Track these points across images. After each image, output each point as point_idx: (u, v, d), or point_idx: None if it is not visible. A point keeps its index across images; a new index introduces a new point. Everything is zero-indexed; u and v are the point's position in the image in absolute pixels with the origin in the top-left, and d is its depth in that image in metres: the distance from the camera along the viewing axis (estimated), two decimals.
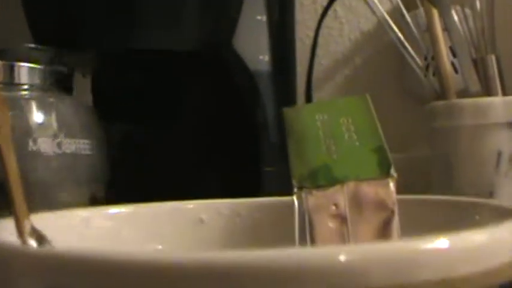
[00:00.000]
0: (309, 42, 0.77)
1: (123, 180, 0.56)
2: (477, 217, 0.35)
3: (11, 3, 0.58)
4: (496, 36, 0.63)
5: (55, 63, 0.54)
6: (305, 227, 0.33)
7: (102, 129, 0.55)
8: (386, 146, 0.35)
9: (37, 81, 0.52)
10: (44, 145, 0.50)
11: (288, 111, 0.38)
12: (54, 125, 0.51)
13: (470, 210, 0.37)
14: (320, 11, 0.78)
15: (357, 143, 0.35)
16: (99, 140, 0.54)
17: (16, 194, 0.29)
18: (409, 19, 0.67)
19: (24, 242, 0.30)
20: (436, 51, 0.64)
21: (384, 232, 0.33)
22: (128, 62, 0.55)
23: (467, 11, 0.64)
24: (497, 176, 0.58)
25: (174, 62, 0.54)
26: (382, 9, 0.66)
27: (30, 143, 0.49)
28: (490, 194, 0.58)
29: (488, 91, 0.61)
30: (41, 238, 0.31)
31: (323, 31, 0.78)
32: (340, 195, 0.33)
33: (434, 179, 0.63)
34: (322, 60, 0.82)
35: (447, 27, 0.60)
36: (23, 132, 0.49)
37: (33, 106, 0.51)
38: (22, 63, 0.52)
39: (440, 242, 0.22)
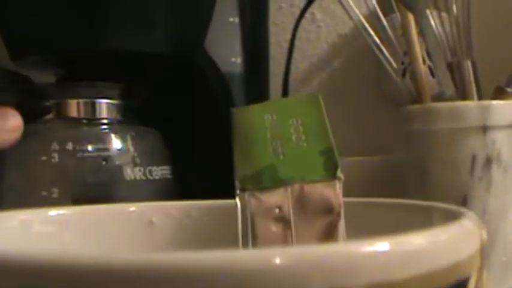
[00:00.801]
0: (286, 45, 0.77)
1: None
2: (428, 221, 0.35)
3: None
4: (472, 40, 0.63)
5: (125, 97, 0.56)
6: (248, 230, 0.33)
7: (170, 155, 0.57)
8: (334, 148, 0.35)
9: (114, 115, 0.55)
10: (130, 173, 0.52)
11: (237, 111, 0.38)
12: (136, 154, 0.53)
13: (422, 214, 0.36)
14: (298, 14, 0.78)
15: (305, 144, 0.35)
16: (171, 165, 0.56)
17: None
18: (385, 23, 0.67)
19: None
20: (412, 55, 0.64)
21: (329, 236, 0.32)
22: (98, 63, 0.54)
23: (444, 15, 0.64)
24: (472, 180, 0.58)
25: (145, 64, 0.54)
26: (359, 13, 0.66)
27: (118, 173, 0.52)
28: (464, 198, 0.58)
29: (463, 95, 0.61)
30: None
31: (300, 34, 0.78)
32: (285, 198, 0.33)
33: (409, 182, 0.63)
34: (300, 64, 0.82)
35: (422, 32, 0.61)
36: (110, 164, 0.52)
37: (115, 138, 0.53)
38: (102, 100, 0.54)
39: (380, 245, 0.22)
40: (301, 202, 0.33)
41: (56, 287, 0.20)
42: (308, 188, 0.33)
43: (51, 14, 0.53)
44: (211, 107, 0.57)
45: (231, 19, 0.59)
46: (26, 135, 0.51)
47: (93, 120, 0.54)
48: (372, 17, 0.68)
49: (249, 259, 0.20)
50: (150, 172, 0.53)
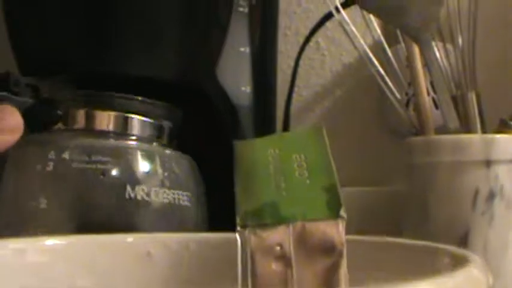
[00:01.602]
0: (290, 72, 0.77)
1: None
2: (431, 263, 0.34)
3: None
4: (476, 72, 0.63)
5: (164, 118, 0.55)
6: (247, 268, 0.32)
7: (201, 182, 0.56)
8: (338, 185, 0.34)
9: (147, 133, 0.54)
10: (149, 194, 0.51)
11: (239, 145, 0.37)
12: (160, 175, 0.53)
13: (425, 256, 0.36)
14: (302, 42, 0.78)
15: (308, 181, 0.34)
16: (199, 193, 0.56)
17: None
18: (390, 54, 0.67)
19: None
20: (416, 86, 0.64)
21: (331, 276, 0.31)
22: (106, 86, 0.54)
23: (449, 46, 0.64)
24: (474, 214, 0.58)
25: (154, 90, 0.54)
26: (364, 43, 0.66)
27: (136, 191, 0.51)
28: (466, 233, 0.58)
29: (467, 128, 0.61)
30: None
31: (304, 62, 0.78)
32: (286, 236, 0.32)
33: (410, 214, 0.62)
34: (303, 91, 0.81)
35: (427, 63, 0.60)
36: (130, 180, 0.51)
37: (141, 156, 0.53)
38: (134, 116, 0.54)
39: None
40: (303, 241, 0.32)
41: None
42: (310, 227, 0.32)
43: (63, 36, 0.53)
44: (219, 134, 0.57)
45: (241, 49, 0.59)
46: (35, 143, 0.50)
47: (123, 134, 0.54)
48: (377, 47, 0.68)
49: None
50: (157, 194, 0.52)
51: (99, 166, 0.50)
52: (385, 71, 0.66)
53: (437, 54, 0.61)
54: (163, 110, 0.55)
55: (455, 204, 0.58)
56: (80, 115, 0.53)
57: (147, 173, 0.52)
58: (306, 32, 0.80)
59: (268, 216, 0.32)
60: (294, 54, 0.78)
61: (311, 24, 0.79)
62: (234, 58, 0.58)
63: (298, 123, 0.81)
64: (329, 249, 0.32)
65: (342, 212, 0.32)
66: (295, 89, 0.76)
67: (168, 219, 0.53)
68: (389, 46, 0.68)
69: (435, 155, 0.59)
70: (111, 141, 0.53)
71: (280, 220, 0.32)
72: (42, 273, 0.37)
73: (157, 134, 0.55)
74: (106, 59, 0.52)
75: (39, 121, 0.51)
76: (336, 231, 0.32)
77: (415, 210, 0.61)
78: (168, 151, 0.55)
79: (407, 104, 0.73)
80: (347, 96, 0.82)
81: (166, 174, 0.53)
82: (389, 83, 0.65)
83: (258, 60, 0.60)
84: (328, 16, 0.73)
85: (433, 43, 0.60)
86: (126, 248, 0.40)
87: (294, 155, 0.35)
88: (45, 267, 0.37)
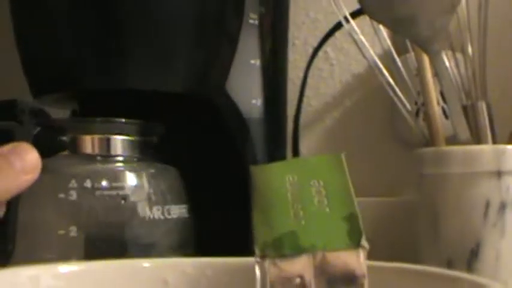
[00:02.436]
0: (299, 82, 0.77)
1: None
2: None
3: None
4: (487, 82, 0.62)
5: (143, 134, 0.55)
6: None
7: (187, 193, 0.56)
8: (358, 213, 0.33)
9: (130, 152, 0.55)
10: (163, 212, 0.52)
11: (255, 170, 0.36)
12: (151, 192, 0.53)
13: (445, 283, 0.35)
14: (311, 51, 0.78)
15: (327, 209, 0.33)
16: (188, 204, 0.56)
17: None
18: (399, 63, 0.67)
19: None
20: (426, 96, 0.63)
21: None
22: (118, 102, 0.54)
23: (459, 56, 0.64)
24: (485, 226, 0.57)
25: (165, 103, 0.54)
26: (373, 53, 0.66)
27: (154, 211, 0.52)
28: (477, 244, 0.57)
29: (478, 139, 0.60)
30: None
31: (313, 72, 0.78)
32: (306, 267, 0.31)
33: (421, 225, 0.61)
34: (312, 102, 0.81)
35: (437, 74, 0.60)
36: (148, 202, 0.52)
37: (130, 176, 0.53)
38: (117, 136, 0.54)
39: None
40: (323, 271, 0.31)
41: None
42: (331, 257, 0.31)
43: (74, 53, 0.53)
44: (229, 147, 0.57)
45: (252, 61, 0.59)
46: (42, 171, 0.50)
47: (108, 157, 0.54)
48: (386, 57, 0.67)
49: None
50: (168, 211, 0.53)
51: (120, 192, 0.51)
52: (395, 81, 0.65)
53: (447, 64, 0.60)
54: (140, 126, 0.55)
55: (467, 216, 0.58)
56: (82, 140, 0.53)
57: (158, 191, 0.53)
58: (314, 41, 0.80)
59: (288, 247, 0.32)
60: (303, 64, 0.77)
61: (319, 34, 0.79)
62: (244, 70, 0.58)
63: (308, 133, 0.80)
64: (350, 279, 0.31)
65: (363, 242, 0.32)
66: (304, 99, 0.76)
67: (179, 233, 0.54)
68: (399, 55, 0.68)
69: (446, 166, 0.59)
70: (122, 165, 0.54)
71: (300, 250, 0.32)
72: None
73: (142, 150, 0.56)
74: (118, 74, 0.52)
75: (46, 148, 0.51)
76: (357, 261, 0.31)
77: (426, 220, 0.61)
78: (156, 167, 0.56)
79: (417, 114, 0.72)
80: (357, 106, 0.81)
81: (167, 190, 0.54)
82: (399, 93, 0.65)
83: (269, 73, 0.60)
84: (338, 26, 0.73)
85: (443, 52, 0.60)
86: (142, 274, 0.40)
87: (312, 181, 0.35)
88: None
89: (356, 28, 0.66)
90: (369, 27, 0.68)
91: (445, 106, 0.66)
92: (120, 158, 0.54)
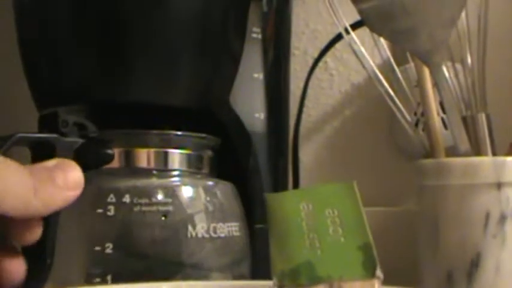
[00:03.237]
0: (299, 92, 0.77)
1: None
2: None
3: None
4: (486, 93, 0.62)
5: (201, 148, 0.55)
6: None
7: (242, 208, 0.56)
8: (372, 243, 0.34)
9: (186, 166, 0.54)
10: (208, 230, 0.51)
11: (271, 197, 0.37)
12: (209, 208, 0.52)
13: None
14: (311, 62, 0.78)
15: (342, 239, 0.34)
16: (243, 220, 0.55)
17: None
18: (399, 74, 0.67)
19: None
20: (426, 107, 0.63)
21: None
22: (120, 116, 0.54)
23: (458, 66, 0.64)
24: (485, 237, 0.57)
25: (168, 117, 0.54)
26: (373, 63, 0.66)
27: (188, 228, 0.51)
28: (477, 256, 0.57)
29: (477, 150, 0.61)
30: None
31: (313, 82, 0.78)
32: None
33: (421, 237, 0.62)
34: (312, 112, 0.81)
35: (437, 86, 0.60)
36: (179, 218, 0.51)
37: (186, 191, 0.52)
38: (174, 150, 0.53)
39: None
40: None
41: None
42: (346, 287, 0.32)
43: (79, 67, 0.53)
44: (232, 160, 0.57)
45: (255, 75, 0.59)
46: (90, 184, 0.50)
47: (163, 171, 0.53)
48: (386, 67, 0.68)
49: None
50: (215, 229, 0.52)
51: (160, 208, 0.50)
52: (394, 91, 0.66)
53: (447, 75, 0.61)
54: (201, 140, 0.55)
55: (467, 227, 0.58)
56: (126, 154, 0.53)
57: (203, 208, 0.52)
58: (314, 52, 0.80)
59: (305, 277, 0.33)
60: (302, 75, 0.78)
61: (319, 44, 0.79)
62: (247, 84, 0.58)
63: (308, 143, 0.81)
64: None
65: (378, 272, 0.32)
66: (304, 109, 0.76)
67: (226, 252, 0.53)
68: (398, 66, 0.68)
69: (446, 178, 0.59)
70: (163, 180, 0.53)
71: (316, 281, 0.32)
72: None
73: (199, 165, 0.55)
74: (122, 88, 0.52)
75: (89, 161, 0.50)
76: None
77: (426, 231, 0.61)
78: (211, 182, 0.55)
79: (416, 124, 0.73)
80: (356, 116, 0.81)
81: (217, 206, 0.53)
82: (398, 103, 0.65)
83: (272, 86, 0.60)
84: (338, 38, 0.73)
85: (443, 63, 0.60)
86: None
87: (327, 211, 0.35)
88: None
89: (356, 39, 0.66)
90: (369, 38, 0.69)
91: (444, 117, 0.66)
92: (174, 173, 0.53)
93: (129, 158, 0.53)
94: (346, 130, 0.81)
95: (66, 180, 0.42)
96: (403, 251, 0.67)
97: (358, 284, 0.32)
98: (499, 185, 0.57)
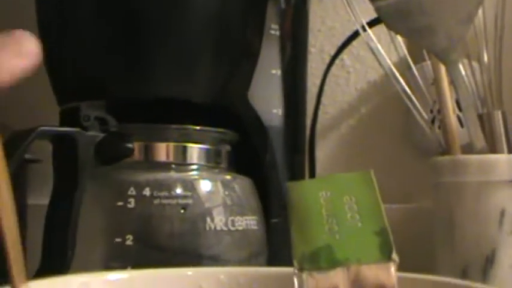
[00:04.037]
0: (315, 90, 0.77)
1: None
2: None
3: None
4: (502, 90, 0.63)
5: (219, 143, 0.56)
6: None
7: (259, 203, 0.56)
8: (389, 228, 0.35)
9: (205, 160, 0.54)
10: (219, 223, 0.52)
11: (292, 186, 0.38)
12: (227, 202, 0.53)
13: None
14: (327, 59, 0.78)
15: (360, 224, 0.35)
16: (261, 214, 0.56)
17: (15, 257, 0.27)
18: (415, 71, 0.67)
19: None
20: (442, 105, 0.64)
21: None
22: (140, 110, 0.55)
23: (475, 64, 0.64)
24: (500, 234, 0.58)
25: (187, 112, 0.54)
26: (389, 61, 0.66)
27: (207, 221, 0.51)
28: (492, 252, 0.57)
29: (493, 147, 0.61)
30: None
31: (330, 79, 0.78)
32: (341, 279, 0.33)
33: (437, 233, 0.62)
34: (328, 109, 0.82)
35: (454, 83, 0.60)
36: (198, 211, 0.51)
37: (213, 186, 0.53)
38: (192, 144, 0.54)
39: None
40: (357, 284, 0.33)
41: None
42: (364, 270, 0.33)
43: (99, 63, 0.54)
44: (250, 155, 0.58)
45: (273, 71, 0.59)
46: (103, 177, 0.51)
47: (182, 165, 0.53)
48: (402, 65, 0.68)
49: None
50: (233, 222, 0.52)
51: (180, 201, 0.51)
52: (410, 88, 0.66)
53: (463, 72, 0.61)
54: (219, 135, 0.55)
55: (482, 224, 0.58)
56: (146, 148, 0.53)
57: (222, 202, 0.53)
58: (330, 49, 0.80)
59: (324, 260, 0.33)
60: (319, 72, 0.78)
61: (336, 41, 0.79)
62: (265, 80, 0.59)
63: (324, 140, 0.81)
64: None
65: (394, 255, 0.33)
66: (321, 106, 0.76)
67: (243, 245, 0.53)
68: (415, 63, 0.68)
69: (462, 175, 0.59)
70: (182, 174, 0.53)
71: (335, 264, 0.33)
72: None
73: (218, 160, 0.55)
74: (143, 84, 0.53)
75: (110, 155, 0.51)
76: (387, 274, 0.33)
77: (441, 228, 0.61)
78: (229, 176, 0.55)
79: (432, 122, 0.73)
80: (372, 113, 0.82)
81: (235, 200, 0.53)
82: (415, 101, 0.66)
83: (289, 82, 0.61)
84: (355, 35, 0.73)
85: (459, 61, 0.60)
86: (182, 281, 0.41)
87: (345, 197, 0.36)
88: None
89: (373, 36, 0.66)
90: (385, 35, 0.69)
91: (460, 115, 0.67)
92: (193, 167, 0.54)
93: (148, 152, 0.53)
94: (362, 127, 0.82)
95: (19, 49, 0.39)
96: (419, 248, 0.67)
97: (375, 266, 0.33)
98: None
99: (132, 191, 0.50)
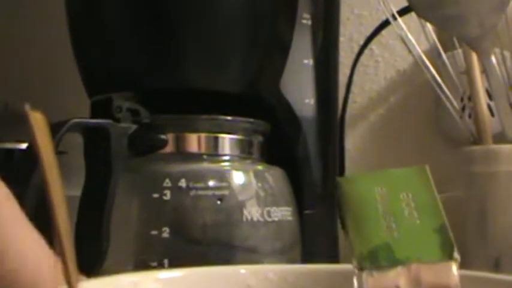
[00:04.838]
0: (343, 79, 0.77)
1: None
2: None
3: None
4: None
5: (251, 133, 0.55)
6: None
7: (292, 193, 0.56)
8: (448, 225, 0.34)
9: (237, 151, 0.54)
10: (255, 214, 0.51)
11: (342, 181, 0.37)
12: (260, 193, 0.52)
13: None
14: (356, 49, 0.78)
15: (418, 221, 0.34)
16: (294, 205, 0.55)
17: (70, 255, 0.27)
18: (446, 60, 0.67)
19: None
20: (474, 94, 0.63)
21: None
22: (171, 102, 0.55)
23: (507, 53, 0.64)
24: None
25: (219, 103, 0.54)
26: (419, 49, 0.66)
27: (244, 212, 0.51)
28: None
29: None
30: None
31: (358, 69, 0.78)
32: (402, 278, 0.32)
33: (468, 222, 0.62)
34: (357, 98, 0.81)
35: (486, 71, 0.60)
36: (234, 202, 0.51)
37: (239, 176, 0.52)
38: (224, 135, 0.53)
39: None
40: (418, 283, 0.32)
41: None
42: (424, 269, 0.32)
43: (130, 53, 0.54)
44: (282, 146, 0.57)
45: (305, 61, 0.59)
46: (137, 170, 0.51)
47: (214, 156, 0.53)
48: (432, 53, 0.67)
49: None
50: (269, 213, 0.52)
51: (216, 192, 0.50)
52: (441, 77, 0.65)
53: (494, 61, 0.60)
54: (251, 125, 0.55)
55: None
56: (178, 139, 0.53)
57: (256, 193, 0.52)
58: (359, 38, 0.80)
59: (383, 259, 0.33)
60: (348, 61, 0.78)
61: (365, 30, 0.79)
62: (297, 70, 0.58)
63: (353, 130, 0.81)
64: None
65: (456, 254, 0.32)
66: (350, 95, 0.76)
67: (279, 237, 0.53)
68: (445, 51, 0.68)
69: (494, 165, 0.59)
70: (216, 165, 0.53)
71: (395, 262, 0.33)
72: None
73: (250, 150, 0.55)
74: (175, 74, 0.53)
75: (144, 146, 0.51)
76: (450, 273, 0.32)
77: (473, 218, 0.61)
78: (262, 167, 0.55)
79: (463, 111, 0.72)
80: (401, 102, 0.81)
81: (269, 191, 0.53)
82: (445, 90, 0.65)
83: (321, 72, 0.60)
84: (384, 24, 0.73)
85: (491, 50, 0.60)
86: (229, 280, 0.40)
87: (402, 194, 0.36)
88: None
89: (403, 25, 0.66)
90: (415, 24, 0.68)
91: (491, 103, 0.66)
92: (225, 158, 0.53)
93: (179, 143, 0.53)
94: (392, 117, 0.81)
95: None
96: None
97: (436, 266, 0.32)
98: None
99: (167, 183, 0.49)
